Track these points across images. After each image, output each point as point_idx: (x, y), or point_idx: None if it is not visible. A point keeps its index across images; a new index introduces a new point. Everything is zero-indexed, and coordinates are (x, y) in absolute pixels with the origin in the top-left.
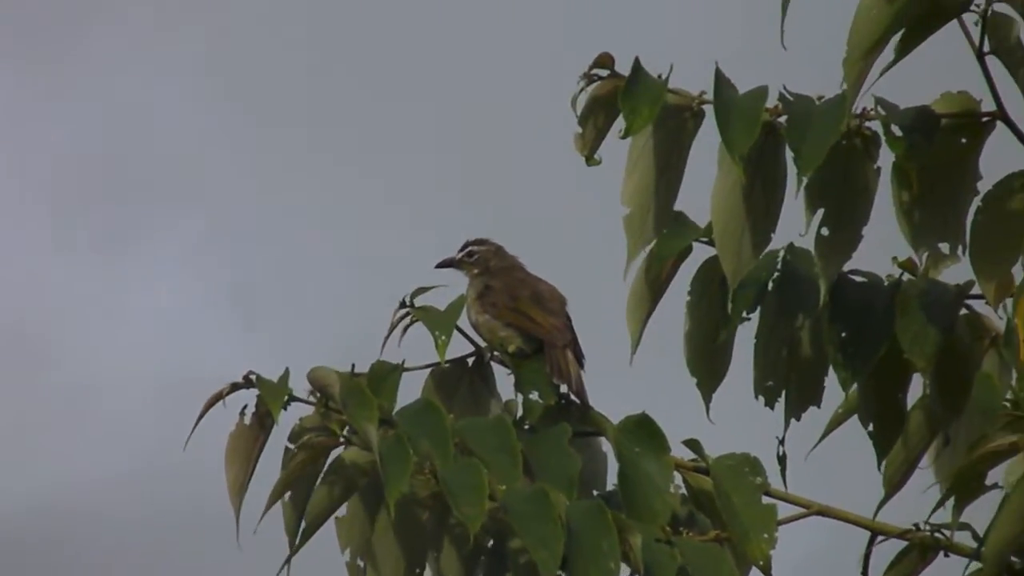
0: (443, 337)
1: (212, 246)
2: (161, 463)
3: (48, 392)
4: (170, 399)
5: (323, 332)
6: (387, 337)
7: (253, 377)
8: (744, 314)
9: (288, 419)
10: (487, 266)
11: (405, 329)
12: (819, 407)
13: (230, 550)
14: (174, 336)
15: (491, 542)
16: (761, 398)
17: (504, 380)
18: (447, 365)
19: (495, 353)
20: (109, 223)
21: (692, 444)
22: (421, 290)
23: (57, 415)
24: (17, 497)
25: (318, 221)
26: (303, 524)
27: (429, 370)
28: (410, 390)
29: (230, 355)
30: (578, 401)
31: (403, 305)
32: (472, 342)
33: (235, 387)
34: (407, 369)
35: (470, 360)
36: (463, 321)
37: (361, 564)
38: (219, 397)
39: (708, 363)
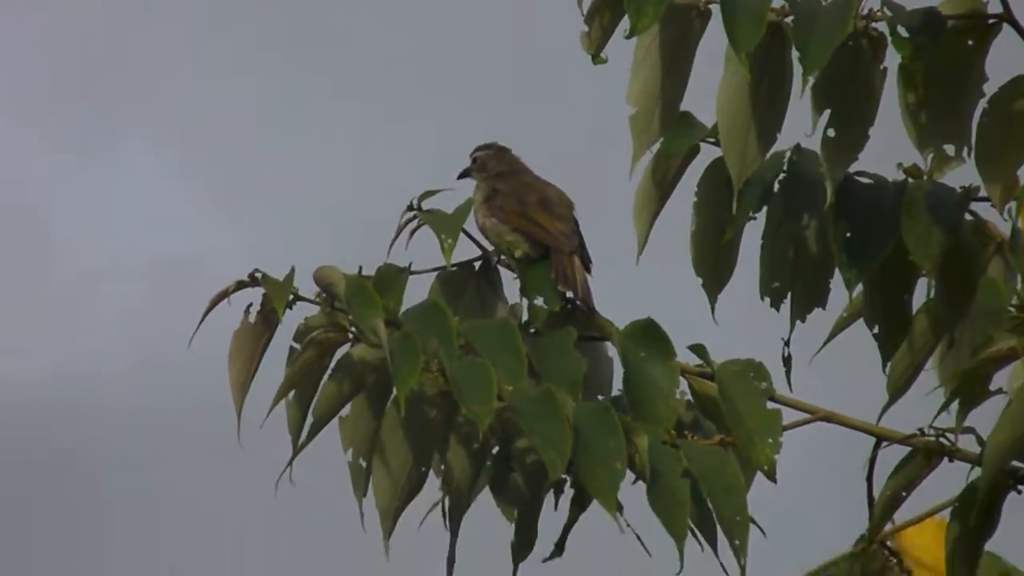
0: (449, 240)
1: (188, 142)
2: (161, 355)
3: (46, 283)
4: (164, 285)
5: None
6: (394, 240)
7: (258, 275)
8: (750, 214)
9: (292, 320)
10: (488, 169)
11: (412, 232)
12: (824, 308)
13: (232, 447)
14: (159, 223)
15: (497, 442)
16: (767, 299)
17: (511, 284)
18: (454, 268)
19: (502, 257)
20: (85, 122)
21: (697, 349)
22: (428, 193)
23: (55, 306)
24: (15, 388)
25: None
26: (308, 421)
27: (435, 273)
28: (416, 294)
29: (214, 240)
30: (584, 308)
31: (410, 208)
32: (479, 246)
33: (240, 285)
34: (414, 272)
35: (477, 264)
36: (470, 225)
37: (363, 463)
38: (224, 295)
39: (714, 263)
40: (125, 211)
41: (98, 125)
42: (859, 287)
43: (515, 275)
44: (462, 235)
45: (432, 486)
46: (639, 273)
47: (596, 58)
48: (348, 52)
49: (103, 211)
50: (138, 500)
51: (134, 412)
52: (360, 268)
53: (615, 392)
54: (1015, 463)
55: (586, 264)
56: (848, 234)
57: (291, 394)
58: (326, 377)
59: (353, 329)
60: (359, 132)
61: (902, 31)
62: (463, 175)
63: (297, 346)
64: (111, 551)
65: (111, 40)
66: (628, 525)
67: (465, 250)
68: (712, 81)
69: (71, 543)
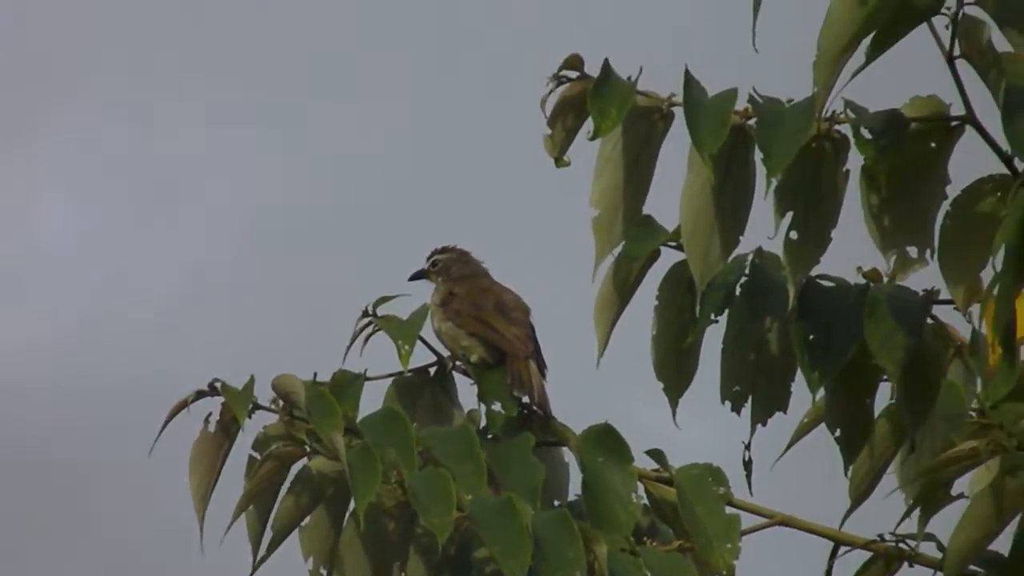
0: (406, 347)
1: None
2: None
3: None
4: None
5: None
6: (349, 346)
7: (218, 385)
8: (712, 316)
9: (253, 426)
10: (451, 273)
11: (367, 338)
12: (785, 413)
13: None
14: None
15: (456, 551)
16: (728, 403)
17: (467, 390)
18: (409, 374)
19: (457, 363)
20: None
21: (655, 454)
22: (384, 299)
23: None
24: None
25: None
26: (269, 534)
27: (391, 379)
28: (372, 400)
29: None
30: (540, 413)
31: (366, 314)
32: (435, 351)
33: (200, 394)
34: (369, 378)
35: (432, 369)
36: (426, 329)
37: (324, 573)
38: (184, 404)
39: (675, 367)
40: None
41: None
42: (821, 391)
43: (471, 381)
44: (418, 341)
45: None
46: (600, 376)
47: (559, 161)
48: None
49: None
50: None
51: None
52: (315, 374)
53: (572, 496)
54: (974, 568)
55: (542, 369)
56: (811, 336)
57: (251, 507)
58: (284, 490)
59: (311, 441)
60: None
61: (865, 133)
62: (416, 276)
63: (256, 455)
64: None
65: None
66: None
67: (421, 355)
68: (675, 178)
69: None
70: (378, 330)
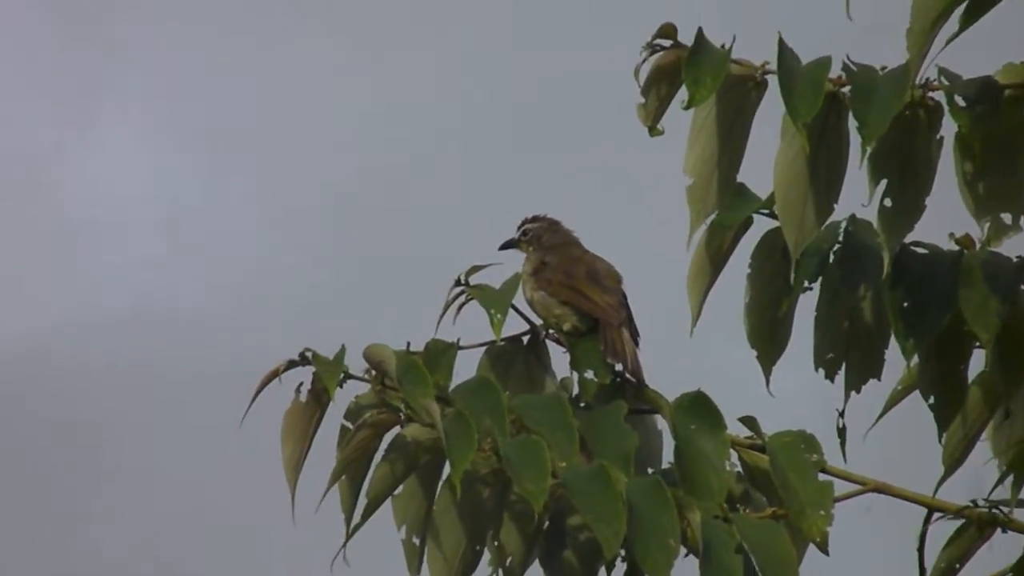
0: (498, 315)
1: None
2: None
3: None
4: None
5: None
6: (442, 315)
7: (309, 354)
8: (806, 284)
9: (344, 396)
10: (542, 242)
11: (460, 307)
12: (879, 380)
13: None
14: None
15: (549, 519)
16: (821, 370)
17: (560, 359)
18: (502, 343)
19: (550, 331)
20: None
21: (748, 421)
22: (476, 268)
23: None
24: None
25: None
26: (362, 503)
27: (484, 348)
28: (466, 370)
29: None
30: (634, 380)
31: (458, 283)
32: (527, 320)
33: (291, 364)
34: (462, 348)
35: (525, 338)
36: (518, 298)
37: (417, 542)
38: (275, 374)
39: (768, 335)
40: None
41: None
42: (915, 358)
43: (564, 349)
44: (510, 310)
45: (486, 561)
46: (694, 344)
47: (653, 130)
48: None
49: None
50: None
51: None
52: (408, 344)
53: (665, 464)
54: None
55: (635, 337)
56: (905, 304)
57: (344, 476)
58: (379, 458)
59: (404, 409)
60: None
61: (959, 100)
62: (506, 246)
63: (349, 425)
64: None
65: None
66: None
67: (513, 324)
68: (767, 146)
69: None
70: (471, 299)
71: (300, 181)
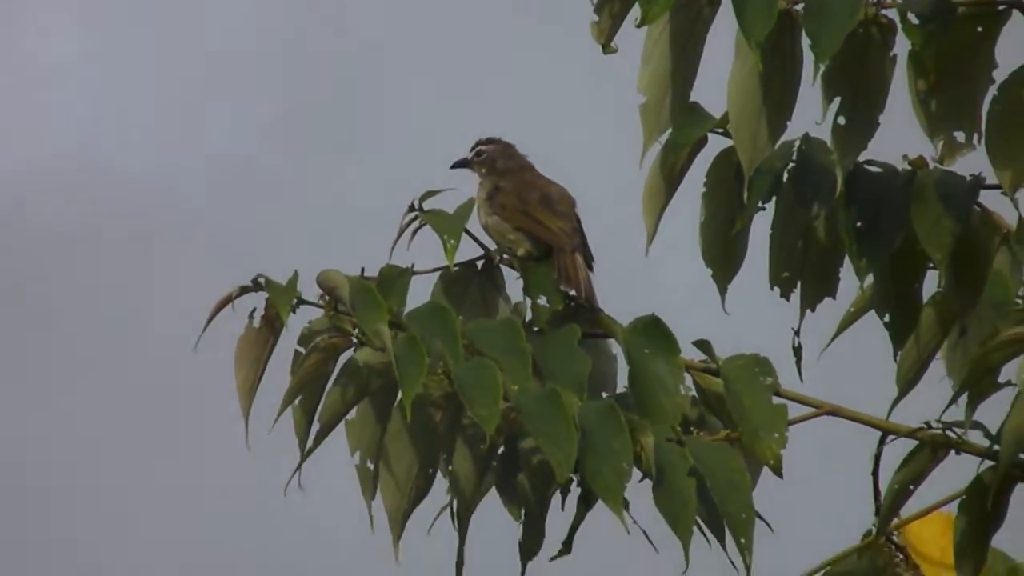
0: (452, 241)
1: None
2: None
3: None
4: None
5: None
6: (396, 241)
7: (262, 280)
8: (759, 203)
9: (295, 324)
10: (496, 166)
11: (414, 233)
12: (834, 298)
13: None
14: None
15: (503, 443)
16: (776, 289)
17: (515, 283)
18: (456, 268)
19: (504, 256)
20: None
21: (702, 345)
22: (430, 193)
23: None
24: None
25: None
26: (315, 427)
27: (438, 274)
28: (421, 296)
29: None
30: (587, 306)
31: (412, 208)
32: (481, 245)
33: (244, 290)
34: (416, 272)
35: (479, 263)
36: (473, 223)
37: (371, 466)
38: (227, 300)
39: (723, 253)
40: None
41: None
42: (869, 277)
43: (517, 275)
44: (464, 235)
45: (441, 486)
46: (649, 264)
47: (607, 48)
48: None
49: None
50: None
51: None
52: (362, 269)
53: (620, 389)
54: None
55: (588, 262)
56: (858, 223)
57: (297, 399)
58: (331, 383)
59: (357, 333)
60: None
61: (913, 18)
62: (458, 165)
63: (302, 350)
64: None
65: None
66: (635, 523)
67: (468, 249)
68: (722, 69)
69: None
70: (424, 224)
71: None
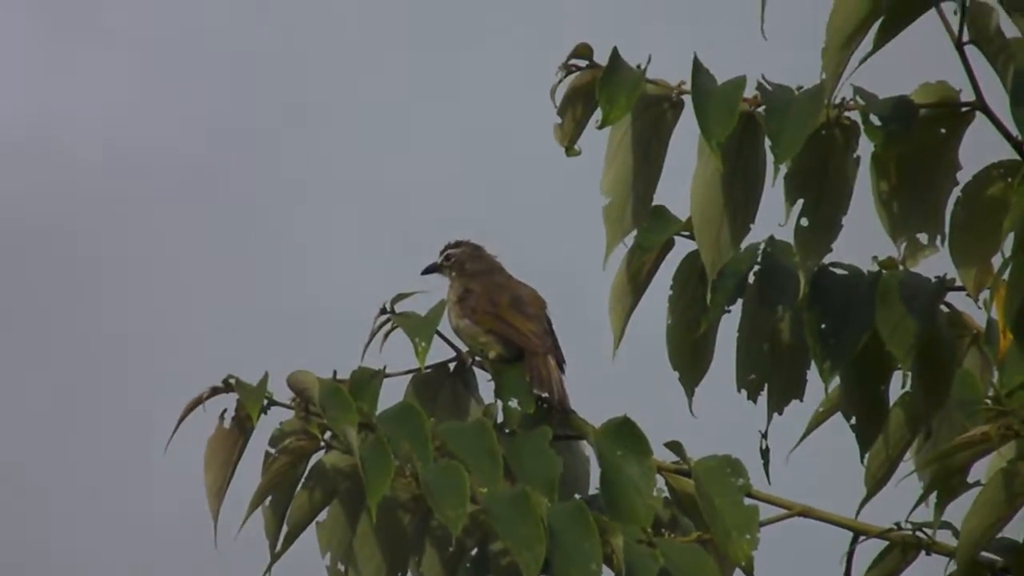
0: (423, 344)
1: None
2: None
3: None
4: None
5: None
6: (368, 343)
7: (233, 381)
8: (725, 306)
9: (268, 423)
10: (465, 268)
11: (386, 335)
12: (801, 400)
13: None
14: None
15: (473, 545)
16: (743, 392)
17: (486, 384)
18: (428, 370)
19: (476, 358)
20: None
21: (673, 446)
22: (401, 296)
23: None
24: None
25: None
26: (284, 529)
27: (410, 376)
28: (392, 396)
29: None
30: (560, 409)
31: (384, 311)
32: (453, 347)
33: (215, 391)
34: (388, 375)
35: (451, 365)
36: (444, 325)
37: (342, 568)
38: (199, 401)
39: (690, 357)
40: None
41: None
42: (835, 380)
43: (489, 376)
44: (436, 336)
45: None
46: (616, 367)
47: (570, 150)
48: None
49: None
50: None
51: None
52: (335, 372)
53: (592, 491)
54: (989, 554)
55: (560, 364)
56: (823, 325)
57: (267, 501)
58: (300, 486)
59: (326, 436)
60: None
61: (875, 120)
62: (429, 270)
63: (273, 451)
64: None
65: None
66: None
67: (439, 350)
68: (686, 172)
69: None
70: (396, 327)
71: None
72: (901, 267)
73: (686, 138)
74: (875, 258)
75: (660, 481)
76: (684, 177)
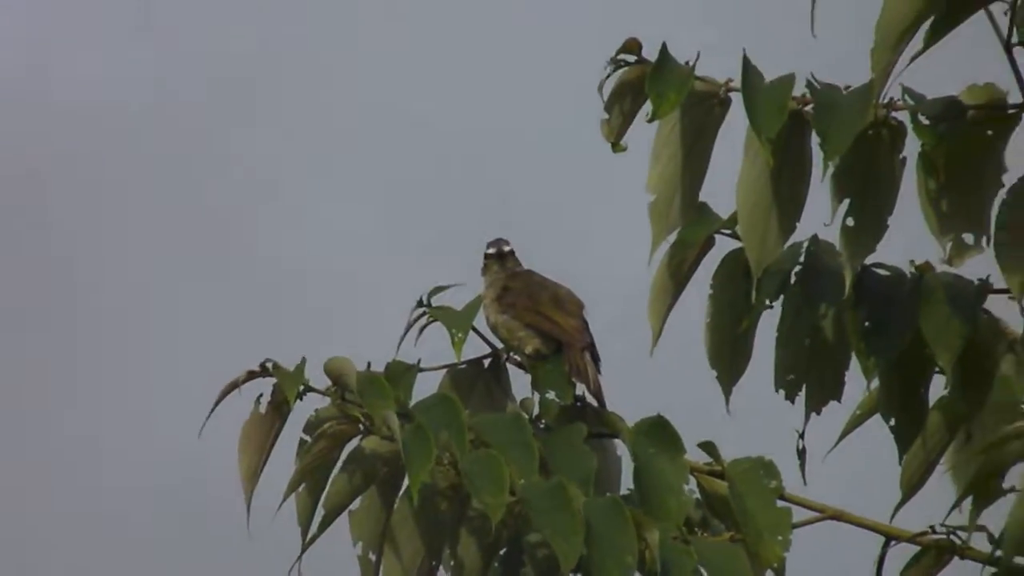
0: (460, 335)
1: None
2: None
3: None
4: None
5: None
6: (403, 336)
7: (269, 365)
8: (767, 303)
9: (302, 411)
10: (505, 267)
11: (421, 329)
12: (839, 401)
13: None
14: None
15: (509, 536)
16: (781, 391)
17: (519, 383)
18: (463, 365)
19: (511, 355)
20: None
21: (707, 447)
22: (438, 289)
23: None
24: None
25: None
26: (319, 514)
27: (445, 370)
28: (424, 393)
29: None
30: (595, 403)
31: (420, 304)
32: (489, 343)
33: (251, 375)
34: (423, 369)
35: (486, 361)
36: (479, 322)
37: (373, 558)
38: (235, 385)
39: (729, 355)
40: None
41: None
42: (875, 380)
43: (525, 372)
44: (471, 333)
45: None
46: (653, 364)
47: (616, 146)
48: None
49: None
50: None
51: None
52: (368, 364)
53: (623, 491)
54: None
55: (596, 361)
56: (866, 324)
57: (302, 486)
58: (337, 470)
59: (364, 421)
60: None
61: (923, 119)
62: (493, 256)
63: (308, 438)
64: None
65: None
66: None
67: (473, 348)
68: (729, 170)
69: None
70: (432, 321)
71: None
72: (946, 266)
73: (726, 137)
74: (912, 262)
75: (692, 482)
76: (723, 176)
